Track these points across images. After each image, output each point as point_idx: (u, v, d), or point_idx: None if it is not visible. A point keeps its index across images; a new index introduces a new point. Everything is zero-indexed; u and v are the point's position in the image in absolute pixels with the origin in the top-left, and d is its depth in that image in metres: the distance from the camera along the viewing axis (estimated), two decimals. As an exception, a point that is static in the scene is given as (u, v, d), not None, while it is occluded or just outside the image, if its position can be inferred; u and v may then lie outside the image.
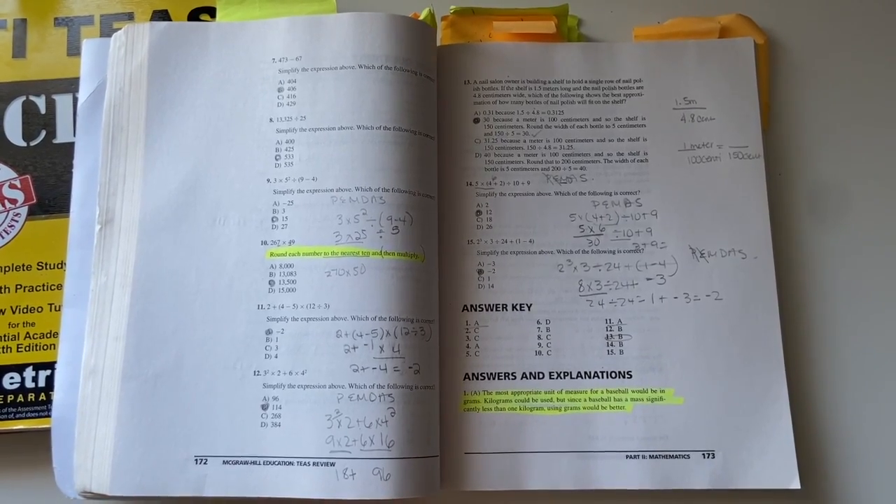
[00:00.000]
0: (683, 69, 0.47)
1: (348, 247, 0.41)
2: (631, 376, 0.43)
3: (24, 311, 0.44)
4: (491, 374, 0.43)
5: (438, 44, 0.47)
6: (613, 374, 0.43)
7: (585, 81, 0.47)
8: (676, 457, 0.42)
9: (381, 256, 0.41)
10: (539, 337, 0.43)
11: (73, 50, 0.47)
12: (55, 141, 0.46)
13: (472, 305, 0.44)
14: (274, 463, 0.39)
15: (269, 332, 0.41)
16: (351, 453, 0.39)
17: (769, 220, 0.44)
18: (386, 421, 0.39)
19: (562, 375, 0.43)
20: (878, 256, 0.46)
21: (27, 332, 0.43)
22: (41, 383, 0.43)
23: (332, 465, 0.39)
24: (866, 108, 0.48)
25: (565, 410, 0.42)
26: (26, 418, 0.42)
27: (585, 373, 0.43)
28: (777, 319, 0.43)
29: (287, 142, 0.43)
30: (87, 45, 0.46)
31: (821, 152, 0.47)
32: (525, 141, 0.46)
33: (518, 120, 0.46)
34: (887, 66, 0.49)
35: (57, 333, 0.43)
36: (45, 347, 0.43)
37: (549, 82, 0.47)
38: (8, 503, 0.42)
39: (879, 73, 0.48)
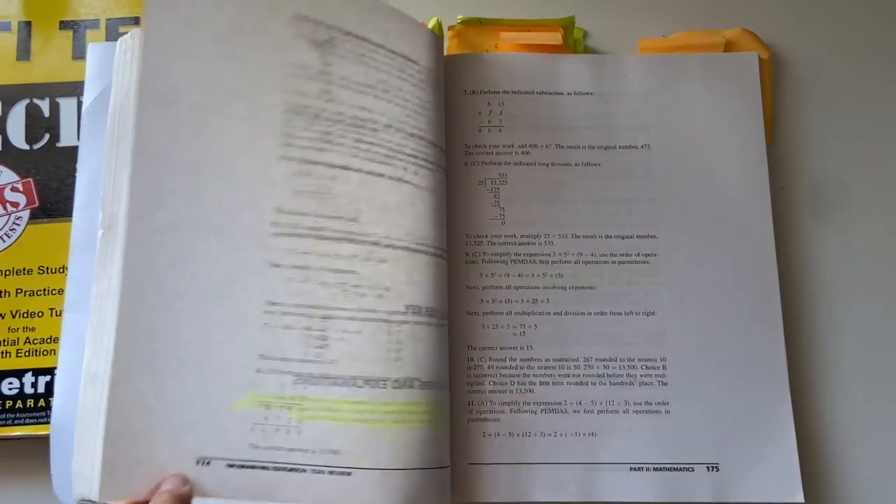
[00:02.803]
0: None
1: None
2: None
3: (25, 315, 0.43)
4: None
5: (445, 53, 0.48)
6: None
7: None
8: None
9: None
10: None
11: (79, 53, 0.47)
12: (59, 144, 0.45)
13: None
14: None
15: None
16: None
17: (773, 233, 0.45)
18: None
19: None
20: (882, 268, 0.46)
21: (27, 337, 0.43)
22: (41, 389, 0.42)
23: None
24: (869, 121, 0.48)
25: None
26: (25, 424, 0.42)
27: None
28: (781, 331, 0.43)
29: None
30: (93, 49, 0.45)
31: (825, 165, 0.48)
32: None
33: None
34: (890, 79, 0.49)
35: (57, 339, 0.42)
36: (45, 353, 0.43)
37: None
38: (5, 511, 0.42)
39: (882, 87, 0.49)
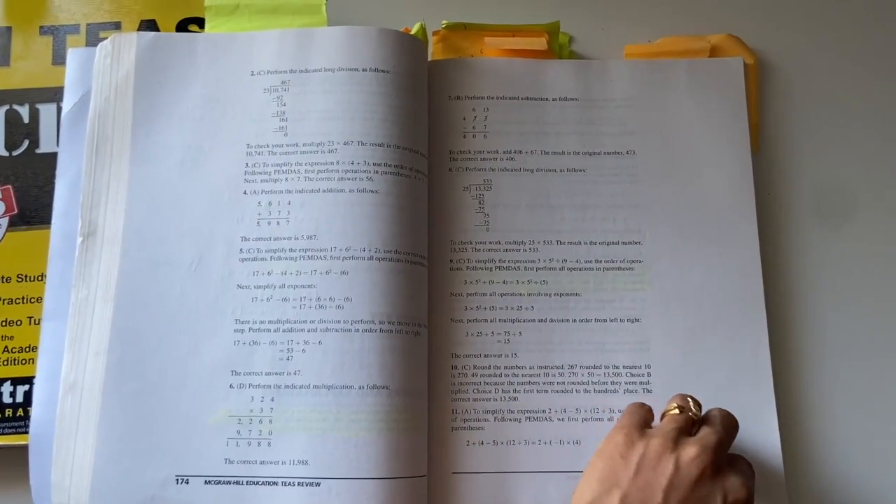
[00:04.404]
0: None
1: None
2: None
3: (3, 324, 0.43)
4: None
5: (430, 58, 0.47)
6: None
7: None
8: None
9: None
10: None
11: (59, 59, 0.46)
12: (38, 151, 0.45)
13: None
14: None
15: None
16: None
17: (758, 239, 0.45)
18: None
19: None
20: (866, 273, 0.46)
21: (5, 346, 0.42)
22: (19, 398, 0.42)
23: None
24: (854, 126, 0.48)
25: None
26: (3, 434, 0.41)
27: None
28: (765, 337, 0.43)
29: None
30: (73, 55, 0.45)
31: (810, 171, 0.48)
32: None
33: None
34: (874, 85, 0.49)
35: (36, 347, 0.42)
36: (23, 362, 0.42)
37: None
38: (-18, 522, 0.41)
39: (867, 92, 0.49)
